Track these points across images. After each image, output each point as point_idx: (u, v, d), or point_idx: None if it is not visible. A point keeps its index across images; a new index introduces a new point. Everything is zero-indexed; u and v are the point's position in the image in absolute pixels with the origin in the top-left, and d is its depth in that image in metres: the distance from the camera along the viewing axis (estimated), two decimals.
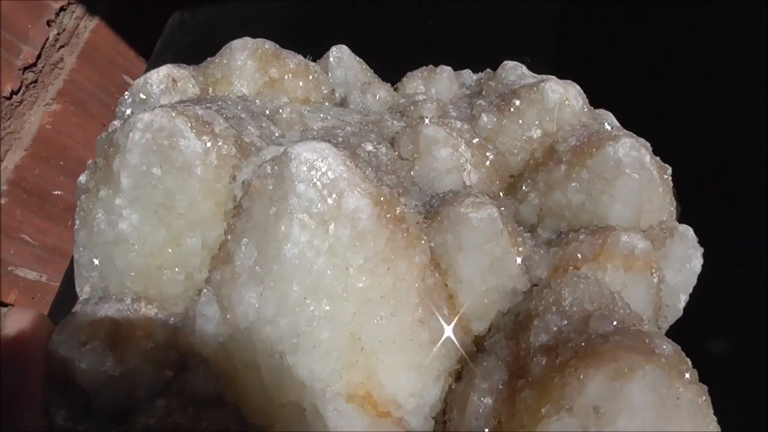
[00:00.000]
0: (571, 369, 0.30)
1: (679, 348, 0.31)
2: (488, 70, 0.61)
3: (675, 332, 0.42)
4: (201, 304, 0.38)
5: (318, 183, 0.35)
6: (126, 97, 0.51)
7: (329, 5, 1.10)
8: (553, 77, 0.50)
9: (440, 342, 0.37)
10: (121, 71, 1.40)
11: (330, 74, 0.58)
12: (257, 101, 0.50)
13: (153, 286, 0.40)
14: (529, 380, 0.32)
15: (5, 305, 1.22)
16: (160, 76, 0.51)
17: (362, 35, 0.97)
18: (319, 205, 0.35)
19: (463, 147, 0.46)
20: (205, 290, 0.39)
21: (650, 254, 0.39)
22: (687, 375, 0.30)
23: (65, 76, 1.27)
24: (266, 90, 0.52)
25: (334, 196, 0.35)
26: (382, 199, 0.37)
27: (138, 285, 0.40)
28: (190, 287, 0.40)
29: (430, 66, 0.61)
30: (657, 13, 0.83)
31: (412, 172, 0.45)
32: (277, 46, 0.55)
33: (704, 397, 0.30)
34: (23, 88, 1.19)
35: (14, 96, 1.17)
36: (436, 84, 0.59)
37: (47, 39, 1.24)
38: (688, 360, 0.32)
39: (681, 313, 0.43)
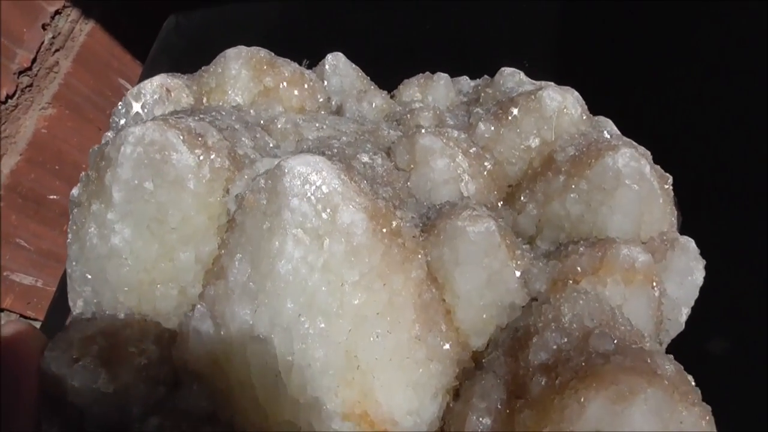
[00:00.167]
0: (571, 391, 0.30)
1: (682, 368, 0.31)
2: (486, 76, 0.61)
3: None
4: (195, 320, 0.38)
5: (312, 197, 0.35)
6: (120, 107, 0.51)
7: (324, 9, 1.09)
8: (552, 84, 0.50)
9: (437, 359, 0.36)
10: (116, 75, 1.39)
11: (326, 82, 0.58)
12: (252, 111, 0.49)
13: (146, 301, 0.40)
14: (528, 400, 0.32)
15: (1, 311, 1.21)
16: (153, 85, 0.50)
17: (358, 37, 0.97)
18: (313, 220, 0.35)
19: (460, 157, 0.45)
20: (198, 306, 0.38)
21: (651, 267, 0.38)
22: (690, 396, 0.29)
23: (60, 79, 1.26)
24: (261, 99, 0.52)
25: (328, 210, 0.35)
26: (377, 213, 0.36)
27: (131, 300, 0.40)
28: (183, 302, 0.40)
29: (427, 73, 0.61)
30: (656, 17, 0.83)
31: (408, 183, 0.44)
32: (272, 54, 0.54)
33: (708, 418, 0.30)
34: (18, 92, 1.18)
35: (9, 100, 1.17)
36: (433, 91, 0.59)
37: (42, 43, 1.23)
38: (691, 379, 0.31)
39: (683, 327, 0.42)
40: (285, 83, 0.52)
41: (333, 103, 0.57)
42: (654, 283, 0.39)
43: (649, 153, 0.44)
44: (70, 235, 0.41)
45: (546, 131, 0.46)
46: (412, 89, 0.59)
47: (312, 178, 0.35)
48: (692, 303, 0.43)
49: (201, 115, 0.43)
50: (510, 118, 0.47)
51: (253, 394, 0.35)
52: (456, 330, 0.38)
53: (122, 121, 0.50)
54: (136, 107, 0.49)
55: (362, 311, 0.34)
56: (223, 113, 0.46)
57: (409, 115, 0.52)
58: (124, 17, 1.42)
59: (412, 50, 0.95)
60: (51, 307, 1.07)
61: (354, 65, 0.60)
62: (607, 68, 0.82)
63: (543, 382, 0.32)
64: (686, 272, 0.42)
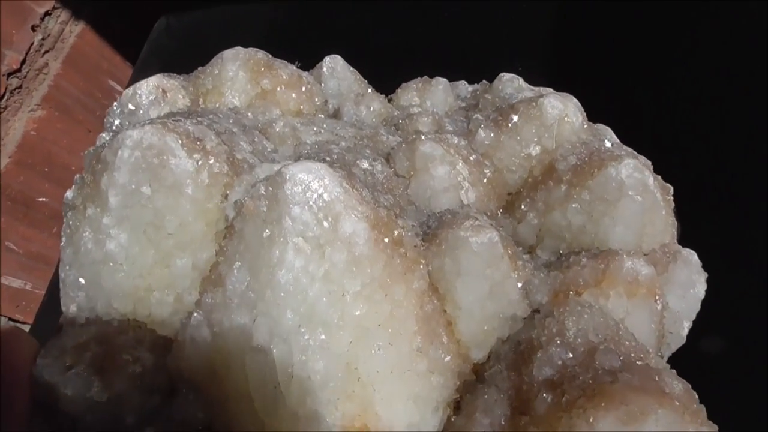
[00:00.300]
0: (579, 410, 0.29)
1: (689, 386, 0.30)
2: (484, 81, 0.60)
3: None
4: (191, 328, 0.37)
5: (313, 206, 0.34)
6: (114, 107, 0.50)
7: (318, 10, 1.08)
8: (552, 91, 0.50)
9: (438, 372, 0.36)
10: (106, 76, 1.38)
11: (323, 85, 0.57)
12: (249, 114, 0.49)
13: (141, 308, 0.39)
14: (533, 417, 0.31)
15: None
16: (149, 86, 0.49)
17: (355, 38, 0.96)
18: (314, 229, 0.34)
19: (460, 164, 0.45)
20: (195, 314, 0.37)
21: (654, 280, 0.38)
22: (699, 417, 0.29)
23: (50, 81, 1.25)
24: (258, 101, 0.51)
25: (330, 219, 0.34)
26: (379, 222, 0.35)
27: (126, 306, 0.39)
28: (179, 309, 0.39)
29: (425, 77, 0.60)
30: (652, 21, 0.82)
31: (408, 190, 0.43)
32: (270, 56, 0.53)
33: None
34: (7, 93, 1.17)
35: None
36: (431, 96, 0.58)
37: (32, 44, 1.22)
38: (696, 396, 0.31)
39: (684, 340, 0.42)
40: (282, 86, 0.52)
41: (330, 106, 0.56)
42: (656, 297, 0.38)
43: (650, 163, 0.44)
44: (63, 239, 0.41)
45: (547, 139, 0.46)
46: (411, 93, 0.58)
47: (314, 185, 0.34)
48: (694, 316, 0.42)
49: (199, 118, 0.42)
50: (510, 125, 0.46)
51: (251, 406, 0.34)
52: (457, 342, 0.37)
53: (117, 122, 0.49)
54: (132, 108, 0.49)
55: (363, 323, 0.34)
56: (221, 116, 0.45)
57: (407, 120, 0.51)
58: (115, 19, 1.40)
59: (409, 53, 0.94)
60: (40, 311, 1.06)
61: (351, 68, 0.60)
62: (602, 73, 0.81)
63: (549, 400, 0.31)
64: (688, 285, 0.42)
